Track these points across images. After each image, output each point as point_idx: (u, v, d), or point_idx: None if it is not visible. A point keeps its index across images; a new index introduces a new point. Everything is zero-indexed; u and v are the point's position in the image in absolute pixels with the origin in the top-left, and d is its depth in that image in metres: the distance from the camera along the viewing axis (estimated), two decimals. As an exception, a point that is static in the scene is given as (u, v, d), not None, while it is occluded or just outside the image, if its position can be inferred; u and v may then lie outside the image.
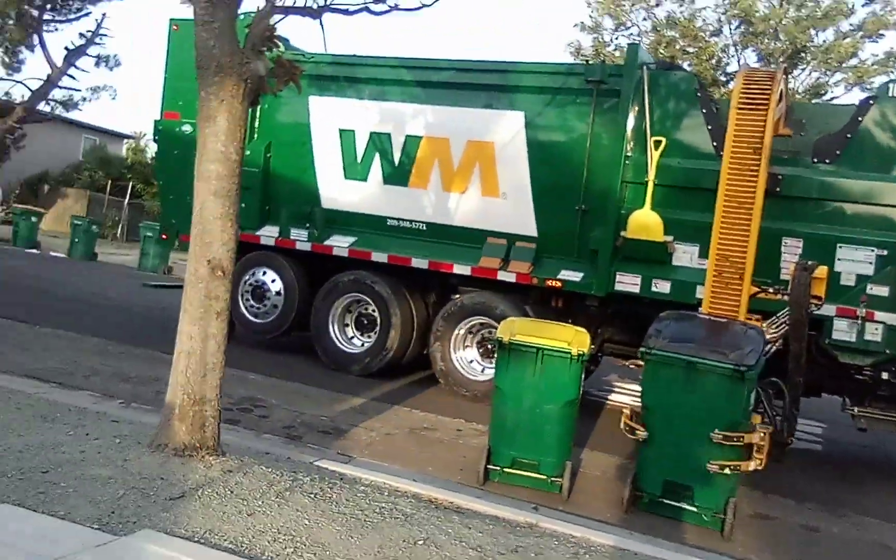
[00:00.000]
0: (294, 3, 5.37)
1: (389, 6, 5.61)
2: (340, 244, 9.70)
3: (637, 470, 5.80)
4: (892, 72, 21.66)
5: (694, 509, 5.52)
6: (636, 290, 8.21)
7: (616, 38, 24.89)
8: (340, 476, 5.23)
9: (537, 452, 5.82)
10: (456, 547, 4.23)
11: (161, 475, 4.57)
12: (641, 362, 8.13)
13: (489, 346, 9.06)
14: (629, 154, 8.31)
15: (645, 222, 8.00)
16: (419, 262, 9.26)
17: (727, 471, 5.37)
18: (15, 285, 13.76)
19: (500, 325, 6.08)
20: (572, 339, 5.78)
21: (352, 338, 9.85)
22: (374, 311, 9.57)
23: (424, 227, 9.37)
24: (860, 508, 6.69)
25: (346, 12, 5.55)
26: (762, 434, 5.48)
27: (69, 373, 7.57)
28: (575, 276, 8.52)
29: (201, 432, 4.96)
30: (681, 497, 5.56)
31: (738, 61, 23.54)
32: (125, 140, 39.98)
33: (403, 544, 4.15)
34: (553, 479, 5.82)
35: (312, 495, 4.68)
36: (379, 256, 9.43)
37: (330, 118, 9.80)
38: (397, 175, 9.45)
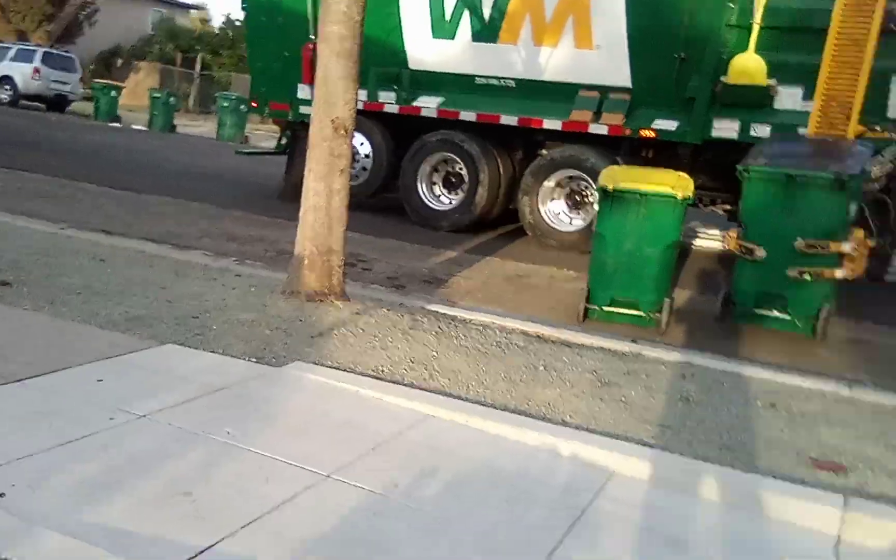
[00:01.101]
0: None
1: None
2: (428, 105, 9.82)
3: (732, 284, 6.10)
4: None
5: (787, 317, 5.85)
6: (734, 135, 8.18)
7: None
8: (453, 317, 5.58)
9: (637, 291, 6.06)
10: (574, 371, 4.60)
11: (299, 318, 5.01)
12: (725, 207, 8.23)
13: (577, 198, 9.23)
14: None
15: (747, 66, 7.88)
16: (508, 119, 9.33)
17: (807, 277, 5.64)
18: (110, 158, 14.38)
19: (601, 174, 6.21)
20: (675, 183, 5.91)
21: (439, 195, 10.11)
22: (461, 169, 9.77)
23: (514, 84, 9.39)
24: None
25: None
26: (853, 244, 5.63)
27: (180, 235, 7.89)
28: (670, 125, 8.51)
29: (329, 280, 5.37)
30: (773, 306, 5.88)
31: None
32: (191, 11, 40.07)
33: (526, 369, 4.53)
34: (651, 314, 6.06)
35: (434, 333, 5.08)
36: (467, 115, 9.53)
37: (418, -24, 9.67)
38: (487, 32, 9.39)
